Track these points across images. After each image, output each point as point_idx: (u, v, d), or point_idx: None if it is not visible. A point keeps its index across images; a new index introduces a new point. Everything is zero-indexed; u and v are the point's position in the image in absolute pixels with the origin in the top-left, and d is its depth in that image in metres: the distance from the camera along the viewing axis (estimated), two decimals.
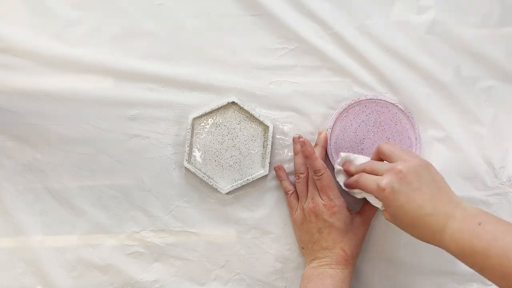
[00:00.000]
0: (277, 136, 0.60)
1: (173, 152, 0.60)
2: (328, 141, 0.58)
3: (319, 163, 0.54)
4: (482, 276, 0.57)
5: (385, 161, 0.51)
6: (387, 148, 0.50)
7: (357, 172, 0.52)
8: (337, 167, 0.56)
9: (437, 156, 0.59)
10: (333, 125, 0.59)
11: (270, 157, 0.59)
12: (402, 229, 0.48)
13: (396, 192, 0.45)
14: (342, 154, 0.56)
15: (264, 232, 0.60)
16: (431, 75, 0.59)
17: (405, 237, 0.60)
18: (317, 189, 0.55)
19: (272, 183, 0.60)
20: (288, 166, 0.60)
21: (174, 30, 0.60)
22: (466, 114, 0.60)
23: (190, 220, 0.60)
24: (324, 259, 0.54)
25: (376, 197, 0.49)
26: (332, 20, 0.59)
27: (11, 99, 0.59)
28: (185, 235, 0.60)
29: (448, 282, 0.60)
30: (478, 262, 0.41)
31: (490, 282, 0.60)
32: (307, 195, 0.56)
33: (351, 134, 0.59)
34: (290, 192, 0.58)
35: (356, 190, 0.55)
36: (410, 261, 0.60)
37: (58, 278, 0.60)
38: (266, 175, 0.59)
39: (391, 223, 0.48)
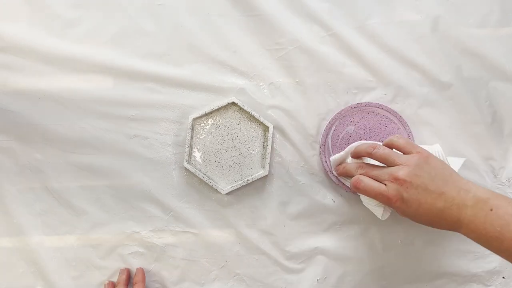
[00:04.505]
0: (277, 137, 0.60)
1: (173, 152, 0.60)
2: (324, 159, 0.59)
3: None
4: (481, 277, 0.58)
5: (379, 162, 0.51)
6: (379, 155, 0.49)
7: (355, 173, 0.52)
8: (335, 173, 0.57)
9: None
10: (325, 141, 0.58)
11: (270, 158, 0.59)
12: (420, 223, 0.48)
13: (406, 201, 0.46)
14: (331, 159, 0.57)
15: (264, 233, 0.60)
16: (431, 75, 0.60)
17: (405, 239, 0.60)
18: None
19: (272, 183, 0.60)
20: (289, 167, 0.60)
21: (174, 30, 0.60)
22: (466, 114, 0.60)
23: (190, 220, 0.60)
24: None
25: (384, 204, 0.49)
26: (332, 21, 0.59)
27: (11, 99, 0.59)
28: (185, 235, 0.61)
29: (448, 283, 0.60)
30: (494, 246, 0.43)
31: (490, 283, 0.61)
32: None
33: (344, 146, 0.58)
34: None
35: (366, 204, 0.54)
36: (410, 262, 0.60)
37: (58, 278, 0.60)
38: (266, 176, 0.59)
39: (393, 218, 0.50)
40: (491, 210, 0.43)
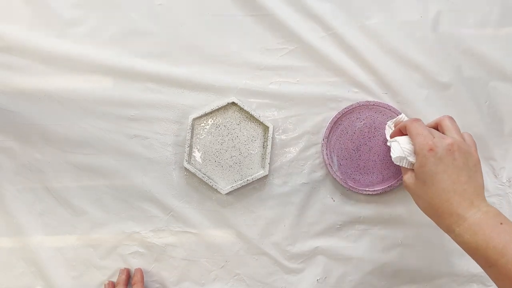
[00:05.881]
0: (277, 137, 0.60)
1: (173, 152, 0.60)
2: (325, 151, 0.58)
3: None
4: (481, 277, 0.57)
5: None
6: (447, 123, 0.49)
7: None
8: (389, 123, 0.57)
9: None
10: (329, 134, 0.58)
11: (270, 158, 0.59)
12: (419, 196, 0.47)
13: (439, 157, 0.45)
14: (399, 116, 0.56)
15: (264, 233, 0.60)
16: (431, 75, 0.59)
17: (405, 239, 0.60)
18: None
19: (272, 183, 0.60)
20: (289, 166, 0.60)
21: (174, 30, 0.60)
22: (466, 114, 0.60)
23: (190, 220, 0.60)
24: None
25: (415, 153, 0.48)
26: (332, 21, 0.59)
27: (11, 99, 0.59)
28: (185, 235, 0.61)
29: (448, 283, 0.60)
30: (491, 257, 0.42)
31: (490, 283, 0.60)
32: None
33: (347, 141, 0.59)
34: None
35: (394, 144, 0.52)
36: (410, 262, 0.60)
37: (58, 278, 0.60)
38: (266, 176, 0.59)
39: (408, 188, 0.49)
40: (501, 223, 0.43)
